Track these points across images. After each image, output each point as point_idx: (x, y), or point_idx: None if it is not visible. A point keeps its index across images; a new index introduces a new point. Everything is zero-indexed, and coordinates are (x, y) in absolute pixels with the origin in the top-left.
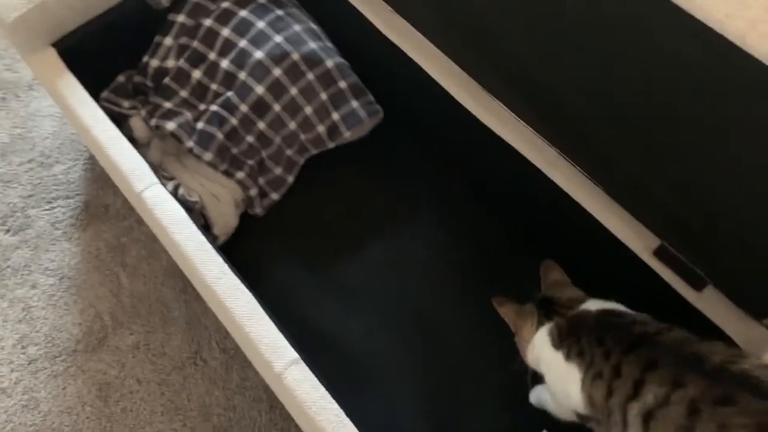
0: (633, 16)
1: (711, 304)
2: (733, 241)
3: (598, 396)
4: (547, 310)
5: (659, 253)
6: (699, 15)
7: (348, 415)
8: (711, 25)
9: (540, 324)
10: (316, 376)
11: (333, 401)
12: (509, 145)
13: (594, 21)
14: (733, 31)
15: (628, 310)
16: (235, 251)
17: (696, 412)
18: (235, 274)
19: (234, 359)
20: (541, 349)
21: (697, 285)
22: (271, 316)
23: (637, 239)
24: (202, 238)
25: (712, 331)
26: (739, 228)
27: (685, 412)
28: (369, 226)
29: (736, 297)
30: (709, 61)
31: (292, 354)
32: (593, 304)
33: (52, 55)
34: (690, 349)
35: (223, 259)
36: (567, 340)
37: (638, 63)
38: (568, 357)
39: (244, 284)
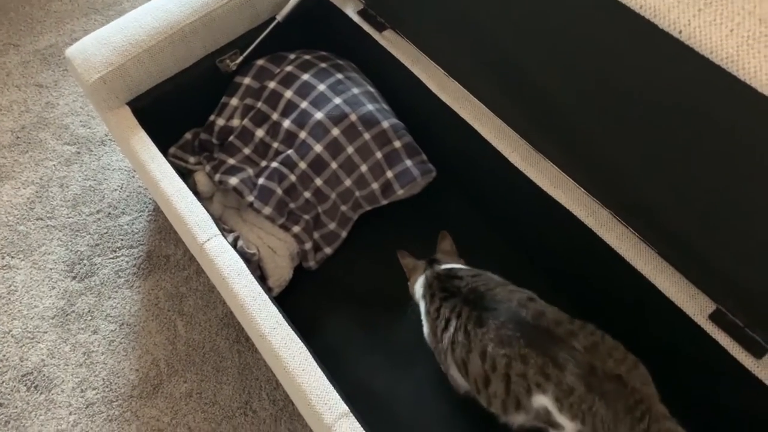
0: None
1: None
2: None
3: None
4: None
5: (715, 318)
6: None
7: None
8: None
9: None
10: (366, 431)
11: None
12: (560, 204)
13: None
14: None
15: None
16: (288, 304)
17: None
18: (289, 325)
19: (283, 411)
20: (418, 294)
21: (757, 352)
22: (322, 369)
23: (691, 303)
24: (260, 289)
25: None
26: None
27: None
28: None
29: None
30: None
31: (343, 407)
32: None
33: (127, 113)
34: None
35: (279, 310)
36: (429, 290)
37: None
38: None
39: (298, 335)
